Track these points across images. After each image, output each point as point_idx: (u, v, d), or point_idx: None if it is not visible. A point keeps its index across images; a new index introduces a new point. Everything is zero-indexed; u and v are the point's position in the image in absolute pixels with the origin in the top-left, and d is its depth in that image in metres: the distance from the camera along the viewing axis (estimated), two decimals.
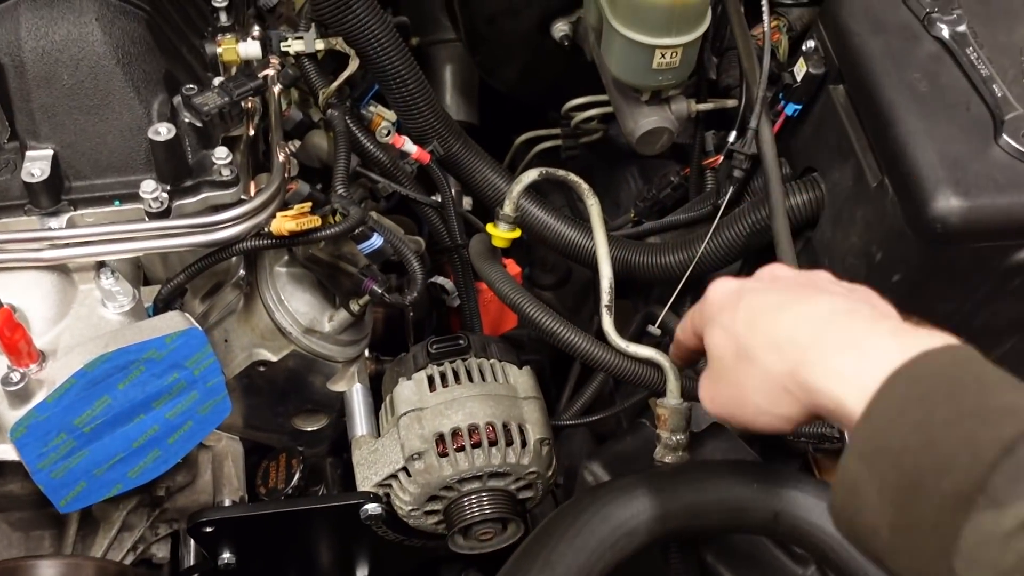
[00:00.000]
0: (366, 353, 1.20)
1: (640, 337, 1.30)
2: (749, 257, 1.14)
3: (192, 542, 1.13)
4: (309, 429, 1.20)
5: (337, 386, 1.15)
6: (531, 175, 1.04)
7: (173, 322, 0.90)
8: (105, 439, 0.89)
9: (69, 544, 1.02)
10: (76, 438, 0.87)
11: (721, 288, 0.69)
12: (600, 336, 0.97)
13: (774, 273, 0.69)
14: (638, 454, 1.09)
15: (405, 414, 1.06)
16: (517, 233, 1.10)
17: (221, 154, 0.94)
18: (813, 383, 0.57)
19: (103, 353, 0.85)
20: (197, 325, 0.90)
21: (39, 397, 0.83)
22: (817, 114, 1.05)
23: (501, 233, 1.09)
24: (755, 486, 0.80)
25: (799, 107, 1.06)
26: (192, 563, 1.12)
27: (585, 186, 1.06)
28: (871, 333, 0.56)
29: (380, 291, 1.03)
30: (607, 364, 0.94)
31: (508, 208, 1.07)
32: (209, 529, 1.02)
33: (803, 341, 0.58)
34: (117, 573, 0.99)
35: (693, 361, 0.84)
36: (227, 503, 1.11)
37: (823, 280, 0.67)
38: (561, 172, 1.06)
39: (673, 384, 0.93)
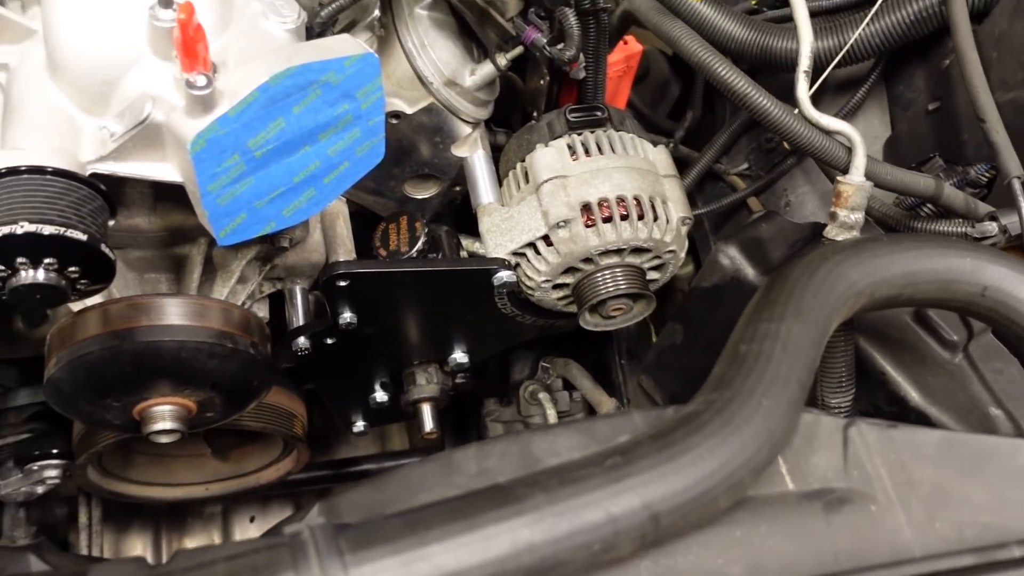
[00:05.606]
0: None
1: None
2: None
3: (299, 302, 1.07)
4: (419, 196, 1.14)
5: (460, 150, 1.08)
6: None
7: (348, 45, 0.81)
8: (271, 168, 0.81)
9: (192, 287, 0.95)
10: (247, 162, 0.79)
11: None
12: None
13: None
14: (774, 240, 1.08)
15: (548, 181, 1.00)
16: None
17: None
18: None
19: (288, 67, 0.76)
20: (372, 51, 0.81)
21: (221, 108, 0.74)
22: None
23: None
24: (968, 259, 0.79)
25: None
26: (301, 323, 1.06)
27: None
28: None
29: (544, 41, 0.95)
30: (795, 134, 0.90)
31: None
32: (343, 283, 0.96)
33: None
34: (241, 317, 0.93)
35: None
36: None
37: None
38: None
39: (861, 160, 0.90)
